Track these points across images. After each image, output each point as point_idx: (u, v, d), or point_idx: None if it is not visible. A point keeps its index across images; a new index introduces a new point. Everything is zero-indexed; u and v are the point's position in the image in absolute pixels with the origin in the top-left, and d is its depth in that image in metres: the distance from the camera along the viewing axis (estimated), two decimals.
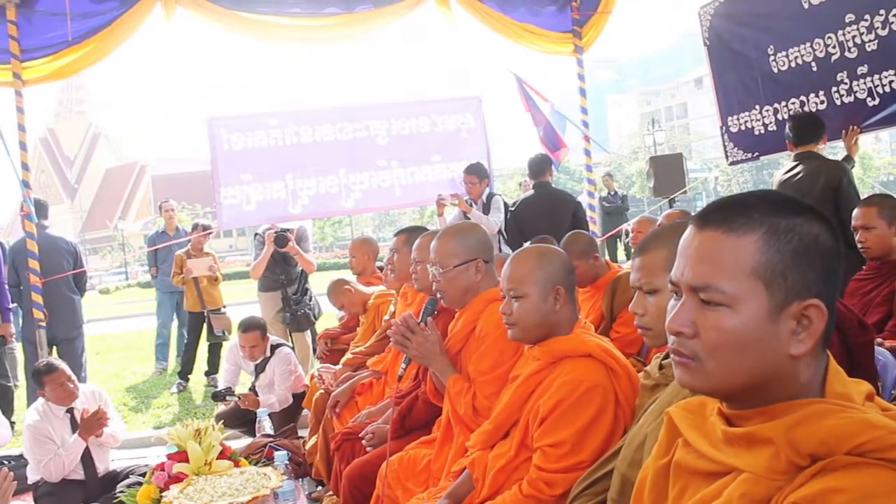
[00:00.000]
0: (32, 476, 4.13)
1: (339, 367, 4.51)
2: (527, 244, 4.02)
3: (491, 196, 6.43)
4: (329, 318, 7.23)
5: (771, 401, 1.08)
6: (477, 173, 6.37)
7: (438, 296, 2.88)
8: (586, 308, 4.07)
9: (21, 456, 4.75)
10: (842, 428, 0.99)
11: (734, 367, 1.08)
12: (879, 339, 2.94)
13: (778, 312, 1.06)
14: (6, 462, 4.88)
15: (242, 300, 12.92)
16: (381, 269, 5.08)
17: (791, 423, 1.03)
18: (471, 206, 6.26)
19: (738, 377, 1.08)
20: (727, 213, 1.11)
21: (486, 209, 6.31)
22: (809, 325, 1.07)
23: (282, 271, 6.47)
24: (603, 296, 3.89)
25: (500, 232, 6.26)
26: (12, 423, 5.44)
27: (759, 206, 1.09)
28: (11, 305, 6.15)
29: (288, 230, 6.32)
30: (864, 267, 3.60)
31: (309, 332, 6.66)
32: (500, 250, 5.95)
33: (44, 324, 5.76)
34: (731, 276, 1.07)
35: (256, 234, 6.74)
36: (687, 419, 1.24)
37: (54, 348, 6.15)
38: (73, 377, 4.23)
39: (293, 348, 5.71)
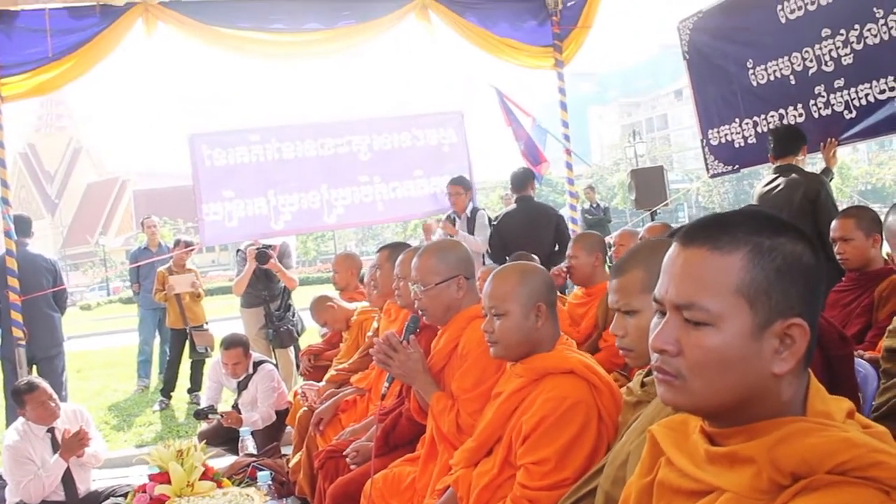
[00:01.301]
0: (11, 498, 4.07)
1: (322, 383, 4.49)
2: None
3: (475, 211, 6.46)
4: (312, 333, 7.20)
5: (754, 419, 1.09)
6: (462, 184, 6.44)
7: (420, 313, 2.88)
8: (580, 315, 4.10)
9: (0, 477, 4.69)
10: (823, 447, 0.99)
11: (717, 386, 1.08)
12: (859, 351, 2.96)
13: (761, 331, 1.06)
14: None
15: (225, 316, 12.85)
16: (363, 281, 5.07)
17: (773, 442, 1.03)
18: (454, 222, 6.28)
19: (721, 395, 1.08)
20: (712, 231, 1.11)
21: (472, 223, 6.35)
22: (792, 344, 1.07)
23: (264, 287, 6.45)
24: (599, 304, 3.92)
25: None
26: None
27: (744, 225, 1.10)
28: None
29: (270, 247, 6.30)
30: (843, 279, 3.63)
31: (292, 348, 6.63)
32: (483, 264, 5.96)
33: (23, 342, 5.69)
34: (716, 295, 1.07)
35: (238, 251, 6.71)
36: (669, 437, 1.24)
37: (34, 367, 6.07)
38: (55, 396, 4.19)
39: (276, 365, 5.68)
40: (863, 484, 0.95)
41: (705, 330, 1.08)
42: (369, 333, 4.34)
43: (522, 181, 6.44)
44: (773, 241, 1.08)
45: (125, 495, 3.69)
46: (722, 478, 1.09)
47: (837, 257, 3.55)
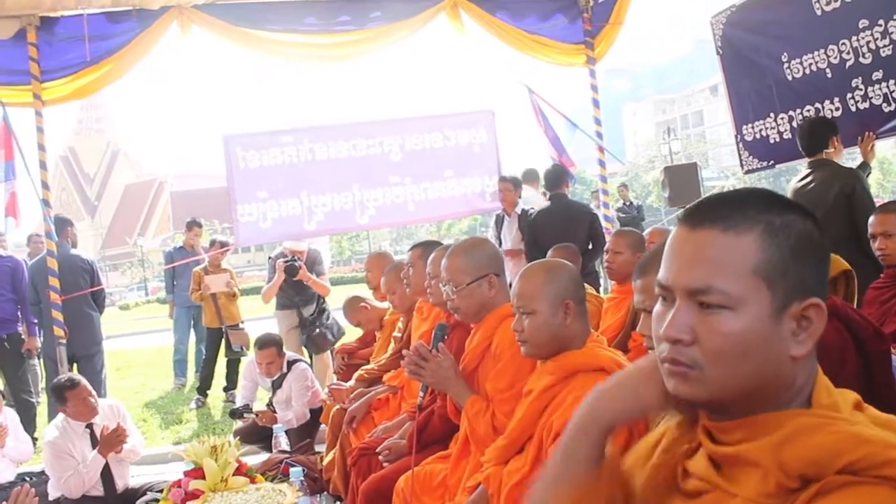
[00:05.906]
0: (53, 492, 4.17)
1: (351, 383, 4.51)
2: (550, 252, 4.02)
3: (525, 212, 6.48)
4: (353, 335, 7.23)
5: (762, 408, 1.04)
6: (512, 181, 6.57)
7: (453, 314, 2.88)
8: (613, 310, 4.07)
9: (42, 472, 4.79)
10: (831, 445, 0.95)
11: (737, 373, 1.03)
12: None
13: (780, 313, 1.02)
14: (28, 478, 4.91)
15: (261, 315, 12.95)
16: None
17: (778, 442, 0.99)
18: (503, 220, 6.58)
19: (740, 383, 1.03)
20: (722, 211, 1.05)
21: (522, 222, 6.41)
22: (809, 326, 1.03)
23: (296, 293, 6.55)
24: (630, 303, 3.88)
25: None
26: (34, 440, 5.49)
27: (753, 203, 1.05)
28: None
29: (297, 259, 6.32)
30: (881, 275, 3.56)
31: (330, 352, 6.67)
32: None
33: (64, 341, 5.82)
34: (734, 277, 1.02)
35: (270, 258, 6.78)
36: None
37: (75, 365, 6.20)
38: (94, 392, 4.27)
39: (310, 364, 5.72)
40: (878, 483, 0.90)
41: (724, 314, 1.02)
42: (396, 333, 4.36)
43: (556, 179, 6.41)
44: (784, 219, 1.04)
45: (162, 491, 3.75)
46: (727, 480, 1.05)
47: (877, 253, 3.47)
